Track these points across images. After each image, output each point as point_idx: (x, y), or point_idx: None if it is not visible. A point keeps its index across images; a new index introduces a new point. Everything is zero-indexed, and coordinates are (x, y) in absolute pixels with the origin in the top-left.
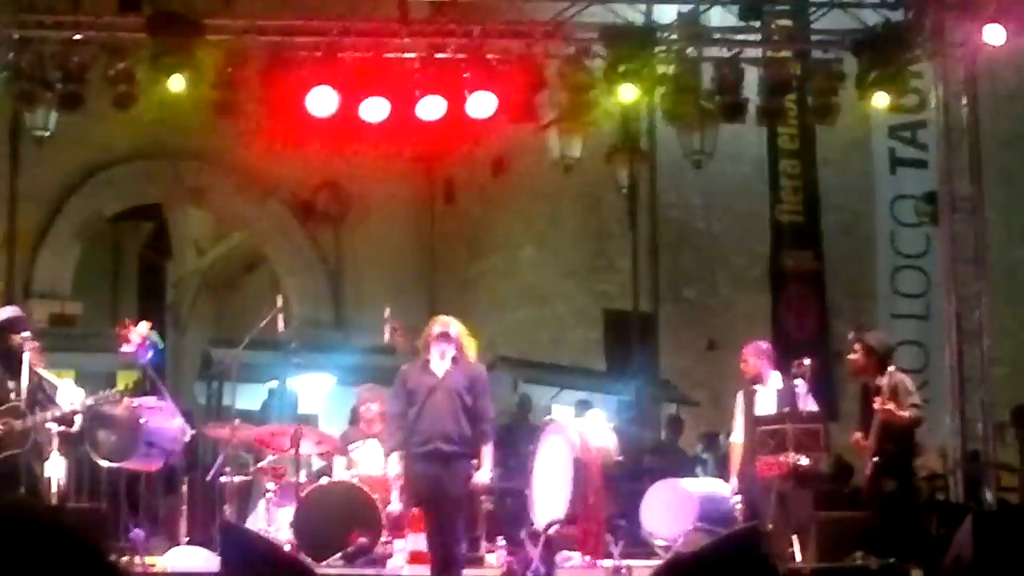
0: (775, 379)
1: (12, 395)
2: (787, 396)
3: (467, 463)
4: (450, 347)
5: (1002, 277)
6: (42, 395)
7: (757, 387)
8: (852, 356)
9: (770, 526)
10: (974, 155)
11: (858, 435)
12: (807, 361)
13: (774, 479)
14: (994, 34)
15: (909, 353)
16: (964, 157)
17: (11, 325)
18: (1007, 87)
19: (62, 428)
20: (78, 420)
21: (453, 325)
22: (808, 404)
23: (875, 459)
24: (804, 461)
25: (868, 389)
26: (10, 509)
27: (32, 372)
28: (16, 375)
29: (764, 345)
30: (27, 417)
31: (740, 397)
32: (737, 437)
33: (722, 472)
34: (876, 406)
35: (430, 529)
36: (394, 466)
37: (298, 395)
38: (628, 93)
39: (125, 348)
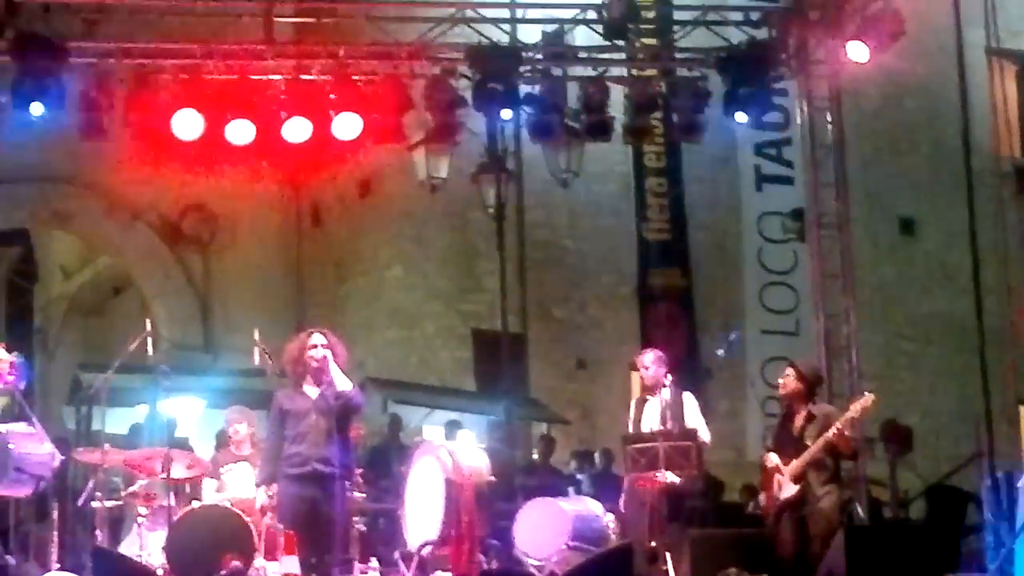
0: (666, 391)
1: None
2: (676, 408)
3: (344, 485)
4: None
5: (870, 293)
6: None
7: (649, 398)
8: (784, 380)
9: (652, 544)
10: (839, 171)
11: (772, 456)
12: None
13: (648, 495)
14: (857, 52)
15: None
16: (830, 174)
17: None
18: (871, 105)
19: None
20: None
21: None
22: (695, 418)
23: (800, 483)
24: (674, 479)
25: (791, 414)
26: None
27: None
28: None
29: (660, 353)
30: None
31: (632, 407)
32: None
33: (597, 490)
34: (832, 432)
35: (304, 552)
36: (262, 496)
37: (174, 419)
38: (504, 113)
39: None
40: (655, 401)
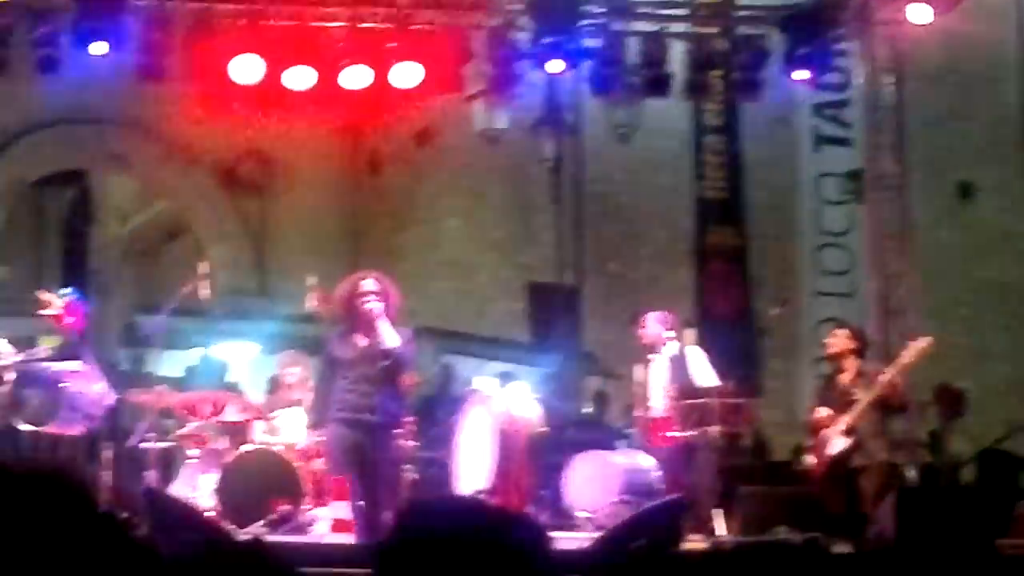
0: (671, 348)
1: None
2: (680, 366)
3: (391, 434)
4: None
5: (926, 257)
6: None
7: (650, 356)
8: (833, 340)
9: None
10: (898, 133)
11: (821, 410)
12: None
13: (691, 448)
14: (920, 13)
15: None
16: (889, 136)
17: None
18: (933, 67)
19: None
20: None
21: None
22: (703, 375)
23: (850, 437)
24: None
25: (838, 372)
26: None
27: None
28: None
29: (666, 314)
30: None
31: (642, 368)
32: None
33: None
34: (884, 379)
35: (353, 496)
36: (308, 440)
37: (227, 363)
38: (555, 66)
39: (48, 312)
40: (660, 360)
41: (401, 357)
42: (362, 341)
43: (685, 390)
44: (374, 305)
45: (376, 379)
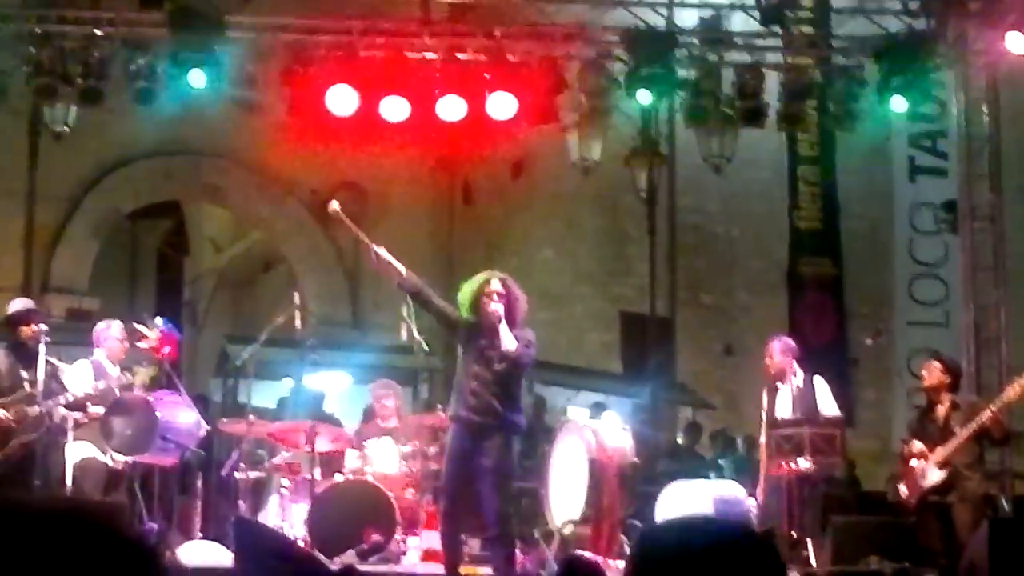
0: (797, 378)
1: (27, 384)
2: (808, 396)
3: (503, 438)
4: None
5: (1021, 286)
6: (56, 384)
7: (779, 385)
8: (929, 371)
9: (790, 531)
10: (994, 163)
11: (916, 443)
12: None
13: (788, 481)
14: (1016, 42)
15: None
16: (984, 165)
17: (22, 317)
18: None
19: (77, 415)
20: (92, 408)
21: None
22: (828, 405)
23: (946, 469)
24: (806, 465)
25: (933, 405)
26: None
27: (48, 363)
28: (30, 365)
29: (790, 342)
30: (41, 404)
31: (764, 396)
32: (762, 437)
33: (739, 476)
34: (987, 415)
35: (445, 522)
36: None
37: (322, 393)
38: (647, 97)
39: (142, 344)
40: (786, 389)
41: (517, 361)
42: (482, 341)
43: (801, 420)
44: (496, 307)
45: (491, 381)
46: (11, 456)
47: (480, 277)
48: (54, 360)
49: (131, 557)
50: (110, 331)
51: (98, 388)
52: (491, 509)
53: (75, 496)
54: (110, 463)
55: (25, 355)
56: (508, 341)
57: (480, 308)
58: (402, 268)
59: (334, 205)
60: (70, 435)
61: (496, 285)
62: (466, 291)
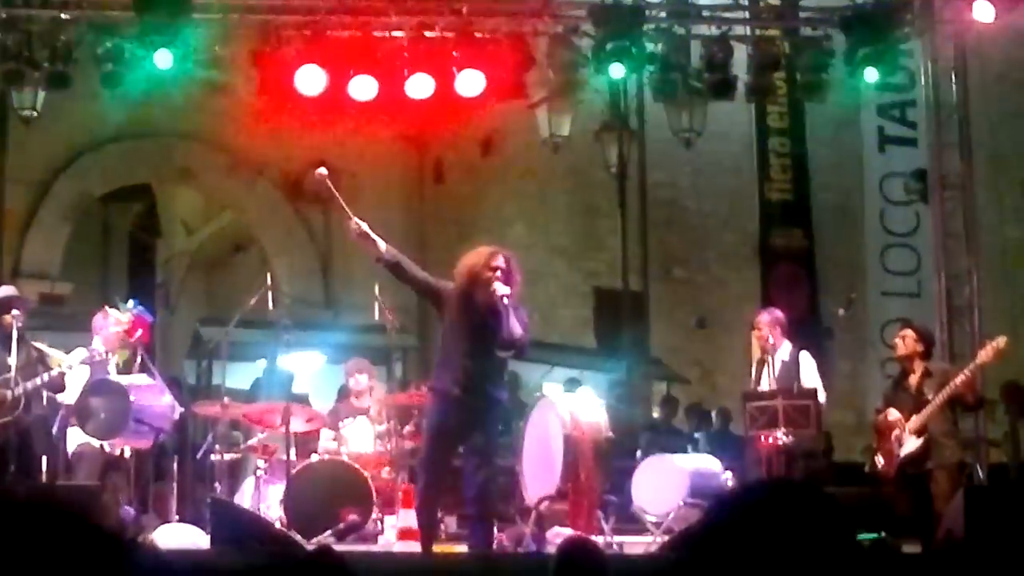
0: (782, 351)
1: (11, 370)
2: (792, 370)
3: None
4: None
5: (993, 256)
6: (41, 368)
7: (768, 358)
8: (902, 341)
9: None
10: (964, 132)
11: (892, 411)
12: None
13: (768, 453)
14: (984, 11)
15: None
16: (954, 134)
17: (3, 304)
18: (997, 66)
19: (54, 395)
20: (70, 385)
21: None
22: (811, 380)
23: (922, 436)
24: (786, 439)
25: (906, 373)
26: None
27: (31, 346)
28: (7, 349)
29: (778, 314)
30: (19, 385)
31: (753, 367)
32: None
33: (714, 449)
34: (959, 379)
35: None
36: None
37: (293, 374)
38: (618, 71)
39: (114, 327)
40: (770, 361)
41: (523, 349)
42: (480, 319)
43: (776, 391)
44: (502, 289)
45: (486, 361)
46: None
47: (484, 252)
48: (41, 345)
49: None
50: (107, 320)
51: (68, 364)
52: (472, 487)
53: (65, 481)
54: (107, 448)
55: (5, 341)
56: (515, 326)
57: (482, 284)
58: (381, 242)
59: (322, 171)
60: (61, 420)
61: (500, 261)
62: (467, 264)
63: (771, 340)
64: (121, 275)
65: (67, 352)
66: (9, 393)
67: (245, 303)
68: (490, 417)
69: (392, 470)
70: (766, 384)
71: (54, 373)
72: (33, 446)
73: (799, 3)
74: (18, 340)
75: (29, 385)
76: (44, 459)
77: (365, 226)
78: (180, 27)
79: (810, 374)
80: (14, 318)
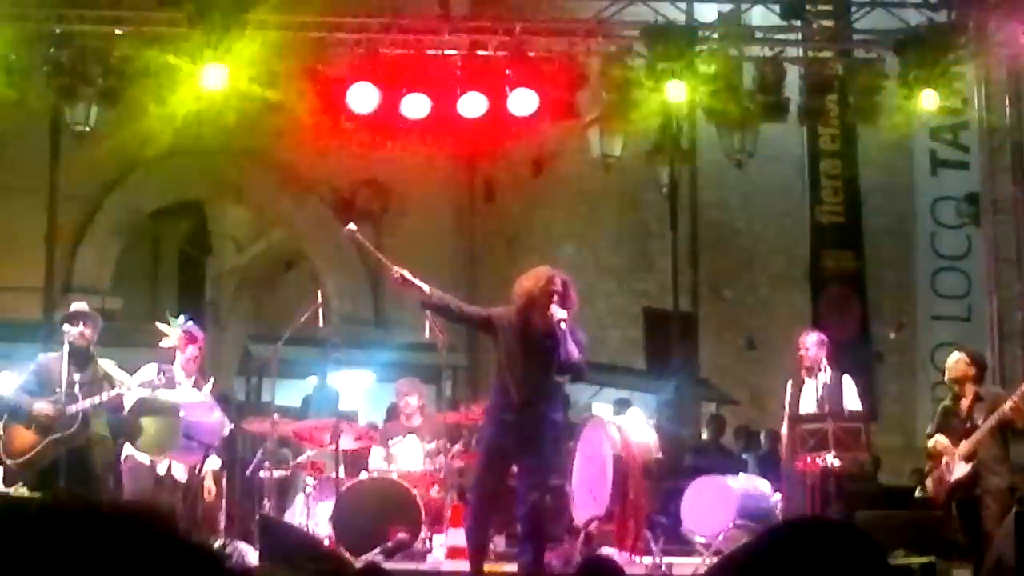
0: (825, 374)
1: (77, 386)
2: (835, 393)
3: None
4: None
5: None
6: (108, 386)
7: (805, 379)
8: (953, 364)
9: None
10: (1016, 156)
11: (941, 438)
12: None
13: (812, 476)
14: None
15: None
16: (1006, 158)
17: (67, 319)
18: None
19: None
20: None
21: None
22: (853, 401)
23: (971, 462)
24: (835, 462)
25: (957, 398)
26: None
27: (98, 365)
28: (83, 367)
29: (823, 336)
30: (79, 402)
31: (789, 388)
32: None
33: (763, 471)
34: (1008, 405)
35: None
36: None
37: (339, 392)
38: (673, 92)
39: (165, 343)
40: (812, 384)
41: (581, 373)
42: (537, 341)
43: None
44: (560, 313)
45: (542, 384)
46: (45, 453)
47: (541, 275)
48: (107, 363)
49: (197, 561)
50: (187, 345)
51: (131, 385)
52: (523, 507)
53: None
54: (160, 470)
55: (80, 356)
56: (572, 349)
57: (539, 308)
58: (424, 286)
59: (351, 227)
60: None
61: (557, 285)
62: (524, 287)
63: (816, 360)
64: (171, 291)
65: (132, 372)
66: (67, 410)
67: (295, 320)
68: (546, 438)
69: (441, 489)
70: (805, 406)
71: (112, 393)
72: (91, 463)
73: (853, 25)
74: (86, 357)
75: (87, 403)
76: (106, 477)
77: (407, 273)
78: (233, 44)
79: (852, 398)
80: (83, 335)
